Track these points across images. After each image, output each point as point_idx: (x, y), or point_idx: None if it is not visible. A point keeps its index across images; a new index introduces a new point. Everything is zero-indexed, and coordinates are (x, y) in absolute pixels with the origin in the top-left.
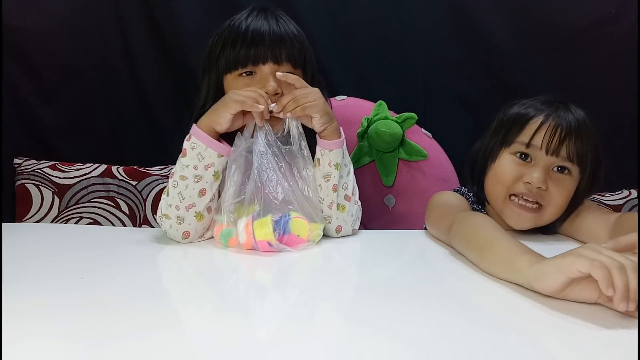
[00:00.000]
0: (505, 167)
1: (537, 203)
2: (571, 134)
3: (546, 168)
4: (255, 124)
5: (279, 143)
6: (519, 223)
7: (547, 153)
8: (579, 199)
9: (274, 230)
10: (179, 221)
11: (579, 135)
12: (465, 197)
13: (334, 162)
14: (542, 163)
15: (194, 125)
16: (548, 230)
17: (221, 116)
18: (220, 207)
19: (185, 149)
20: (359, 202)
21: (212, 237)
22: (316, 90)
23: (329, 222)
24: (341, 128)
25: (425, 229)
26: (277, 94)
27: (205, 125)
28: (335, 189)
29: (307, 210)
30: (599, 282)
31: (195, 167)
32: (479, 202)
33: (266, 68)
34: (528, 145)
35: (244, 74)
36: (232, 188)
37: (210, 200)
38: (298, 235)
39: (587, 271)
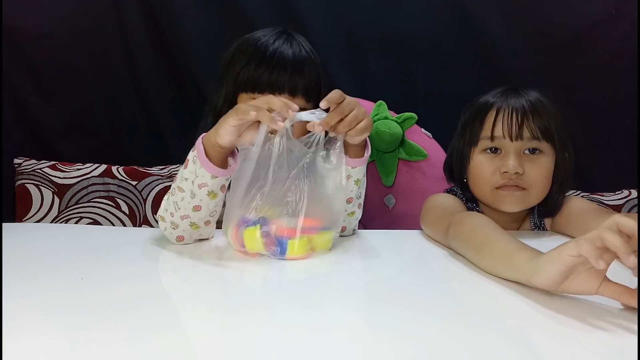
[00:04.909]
0: (480, 167)
1: (521, 187)
2: (527, 114)
3: (517, 153)
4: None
5: (296, 153)
6: (511, 203)
7: (511, 139)
8: (565, 174)
9: (272, 246)
10: (173, 226)
11: (536, 113)
12: (459, 196)
13: (354, 178)
14: (511, 150)
15: (200, 138)
16: (550, 209)
17: (222, 127)
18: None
19: (188, 160)
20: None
21: (209, 239)
22: (357, 103)
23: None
24: (367, 140)
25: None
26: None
27: (208, 140)
28: (350, 202)
29: (326, 217)
30: (587, 257)
31: (192, 182)
32: (470, 200)
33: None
34: (492, 138)
35: None
36: (238, 197)
37: (210, 215)
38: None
39: (576, 252)
